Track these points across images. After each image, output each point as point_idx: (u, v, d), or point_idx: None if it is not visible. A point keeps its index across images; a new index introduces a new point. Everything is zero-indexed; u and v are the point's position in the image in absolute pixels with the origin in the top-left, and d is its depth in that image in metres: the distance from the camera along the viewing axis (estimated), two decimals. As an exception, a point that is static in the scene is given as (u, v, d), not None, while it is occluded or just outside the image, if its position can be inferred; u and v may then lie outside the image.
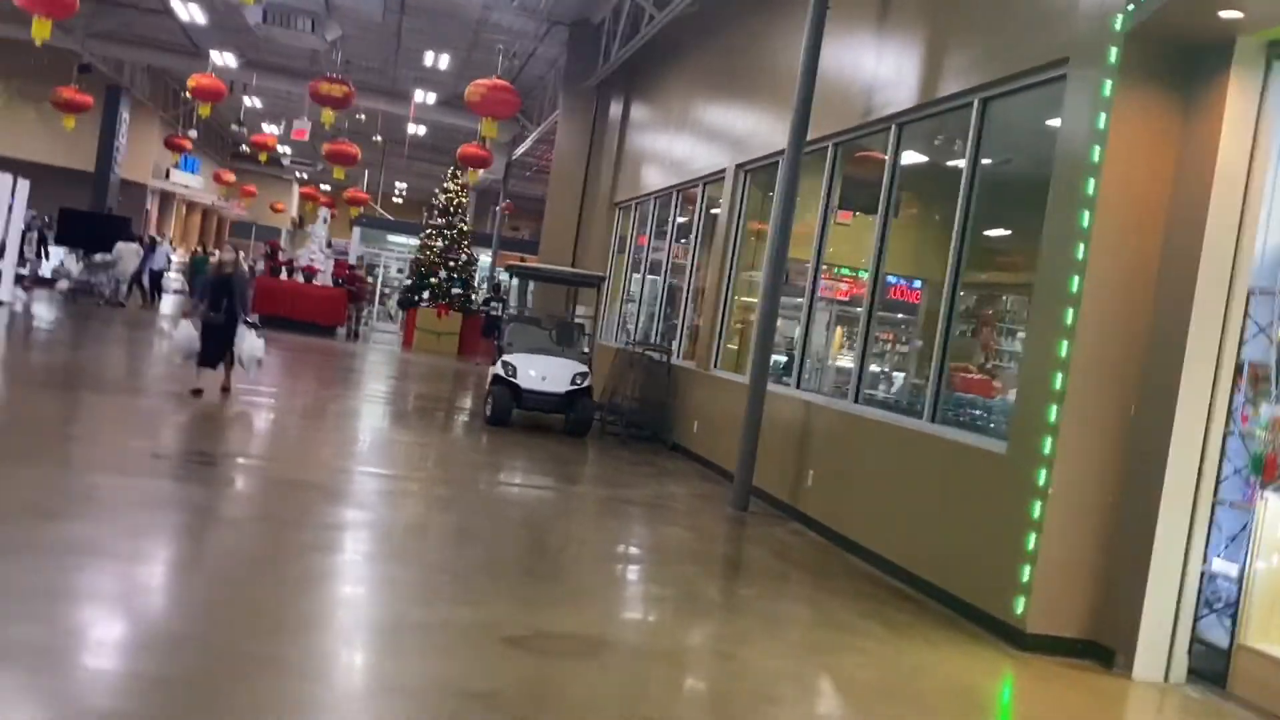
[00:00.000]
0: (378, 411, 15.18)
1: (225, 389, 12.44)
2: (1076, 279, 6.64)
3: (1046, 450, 6.65)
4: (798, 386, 10.88)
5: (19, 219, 21.46)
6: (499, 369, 13.98)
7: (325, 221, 30.31)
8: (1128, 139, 6.61)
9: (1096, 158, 6.63)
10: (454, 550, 7.48)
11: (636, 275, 18.37)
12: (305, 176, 52.01)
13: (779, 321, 10.69)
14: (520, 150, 31.86)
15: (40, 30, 15.61)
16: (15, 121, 32.24)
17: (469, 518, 8.63)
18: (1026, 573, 6.63)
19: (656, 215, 17.49)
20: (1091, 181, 6.63)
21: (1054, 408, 6.66)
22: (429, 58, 25.24)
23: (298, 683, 4.63)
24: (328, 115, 20.81)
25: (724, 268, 13.34)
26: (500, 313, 24.67)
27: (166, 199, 42.63)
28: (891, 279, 10.32)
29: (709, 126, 15.27)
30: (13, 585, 5.24)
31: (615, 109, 20.58)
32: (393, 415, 15.01)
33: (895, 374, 10.94)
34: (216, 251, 13.40)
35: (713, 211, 14.74)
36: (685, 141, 16.11)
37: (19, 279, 22.56)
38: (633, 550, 8.66)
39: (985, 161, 8.40)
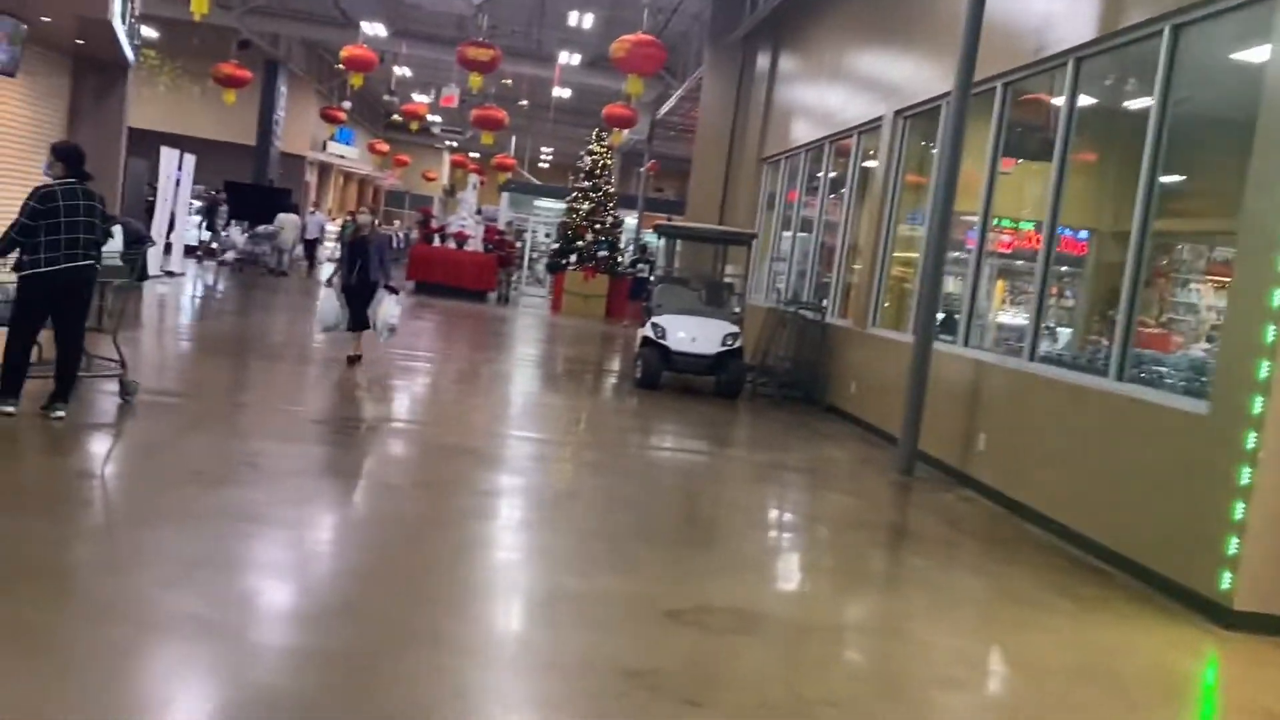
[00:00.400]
0: (528, 375, 15.19)
1: (354, 357, 11.98)
2: (1291, 229, 5.94)
3: (1256, 410, 6.00)
4: (965, 344, 10.29)
5: (187, 192, 22.29)
6: (648, 331, 13.76)
7: (475, 188, 30.64)
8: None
9: (1316, 83, 5.91)
10: (609, 517, 7.29)
11: (786, 233, 17.87)
12: (455, 145, 52.86)
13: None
14: (665, 109, 31.49)
15: (199, 6, 15.99)
16: (180, 99, 33.55)
17: (623, 483, 8.44)
18: (1233, 545, 6.03)
19: (807, 169, 16.94)
20: (1310, 109, 5.91)
21: (1264, 363, 6.00)
22: (573, 17, 25.08)
23: (455, 658, 4.48)
24: (475, 80, 20.84)
25: (881, 221, 12.76)
26: (648, 274, 24.56)
27: (324, 170, 43.94)
28: (1061, 230, 9.63)
29: (863, 73, 14.62)
30: (174, 553, 5.26)
31: (762, 61, 20.00)
32: (543, 378, 15.00)
33: (1061, 329, 10.24)
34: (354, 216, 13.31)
35: (866, 164, 14.14)
36: (838, 91, 15.48)
37: (191, 250, 23.51)
38: (793, 517, 8.33)
39: (1180, 98, 7.64)
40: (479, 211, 30.90)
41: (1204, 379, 7.13)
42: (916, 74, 12.31)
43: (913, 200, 12.73)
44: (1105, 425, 7.55)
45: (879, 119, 13.13)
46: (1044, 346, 9.49)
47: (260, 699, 3.86)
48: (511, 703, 4.21)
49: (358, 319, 12.08)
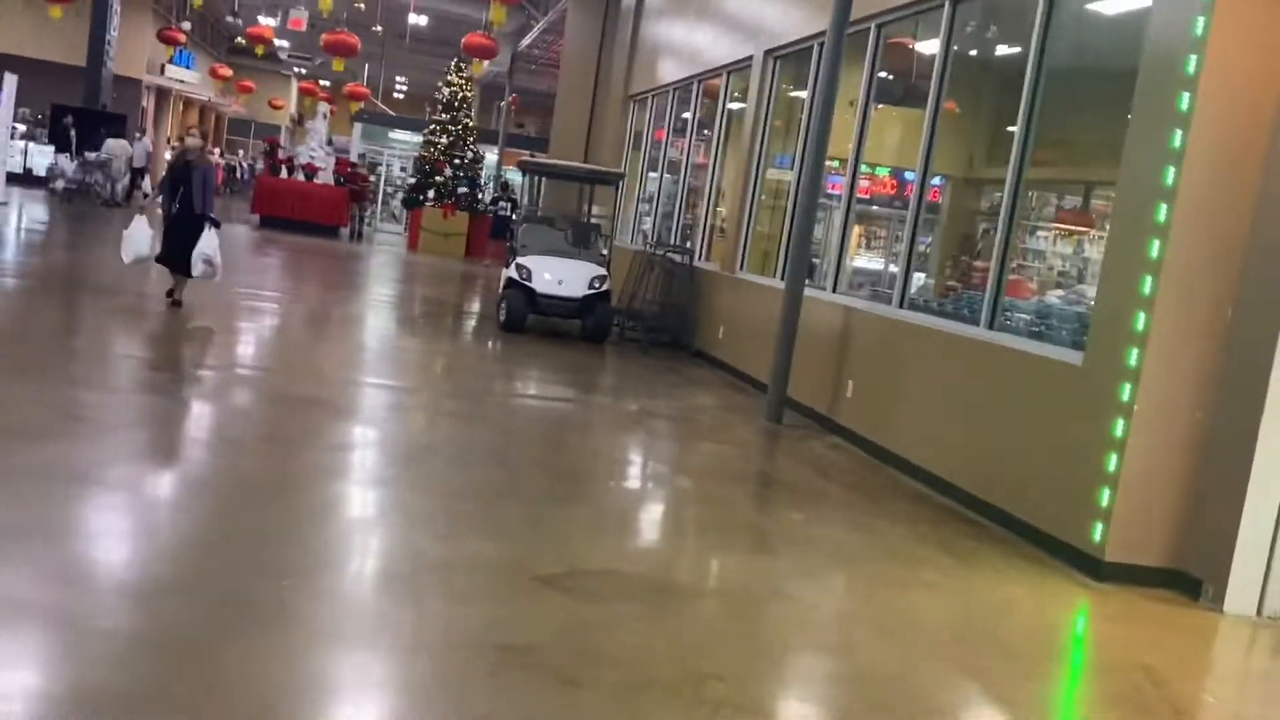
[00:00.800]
0: (384, 317, 14.52)
1: (173, 298, 10.77)
2: (1171, 170, 5.88)
3: (1132, 362, 5.97)
4: (834, 290, 10.17)
5: (9, 115, 20.55)
6: (512, 272, 13.28)
7: (325, 117, 29.22)
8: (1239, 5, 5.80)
9: (1200, 30, 5.81)
10: (473, 473, 6.88)
11: (653, 174, 17.52)
12: (304, 72, 50.46)
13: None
14: (526, 41, 30.62)
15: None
16: (1, 12, 30.95)
17: (485, 435, 8.02)
18: (1105, 497, 6.02)
19: (675, 109, 16.58)
20: (1193, 59, 5.83)
21: (1141, 315, 5.96)
22: (431, -62, 23.95)
23: (307, 640, 4.05)
24: (325, 1, 19.66)
25: (750, 163, 12.52)
26: (510, 213, 23.91)
27: (163, 96, 41.32)
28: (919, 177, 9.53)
29: (733, 10, 14.27)
30: (-18, 523, 4.64)
31: (628, -5, 19.46)
32: (400, 321, 14.36)
33: (917, 275, 10.24)
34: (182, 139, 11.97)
35: (734, 105, 13.87)
36: (707, 28, 15.12)
37: (14, 177, 21.76)
38: (664, 469, 8.07)
39: (1057, 48, 7.53)
40: (330, 142, 29.50)
41: (1069, 327, 7.13)
42: (787, 13, 12.03)
43: (781, 144, 12.52)
44: (977, 374, 7.50)
45: (749, 59, 12.83)
46: (912, 292, 9.45)
47: (82, 697, 3.36)
48: (371, 689, 3.81)
49: (177, 256, 10.67)
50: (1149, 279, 5.95)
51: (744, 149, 12.67)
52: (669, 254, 13.74)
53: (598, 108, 20.52)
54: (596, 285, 13.16)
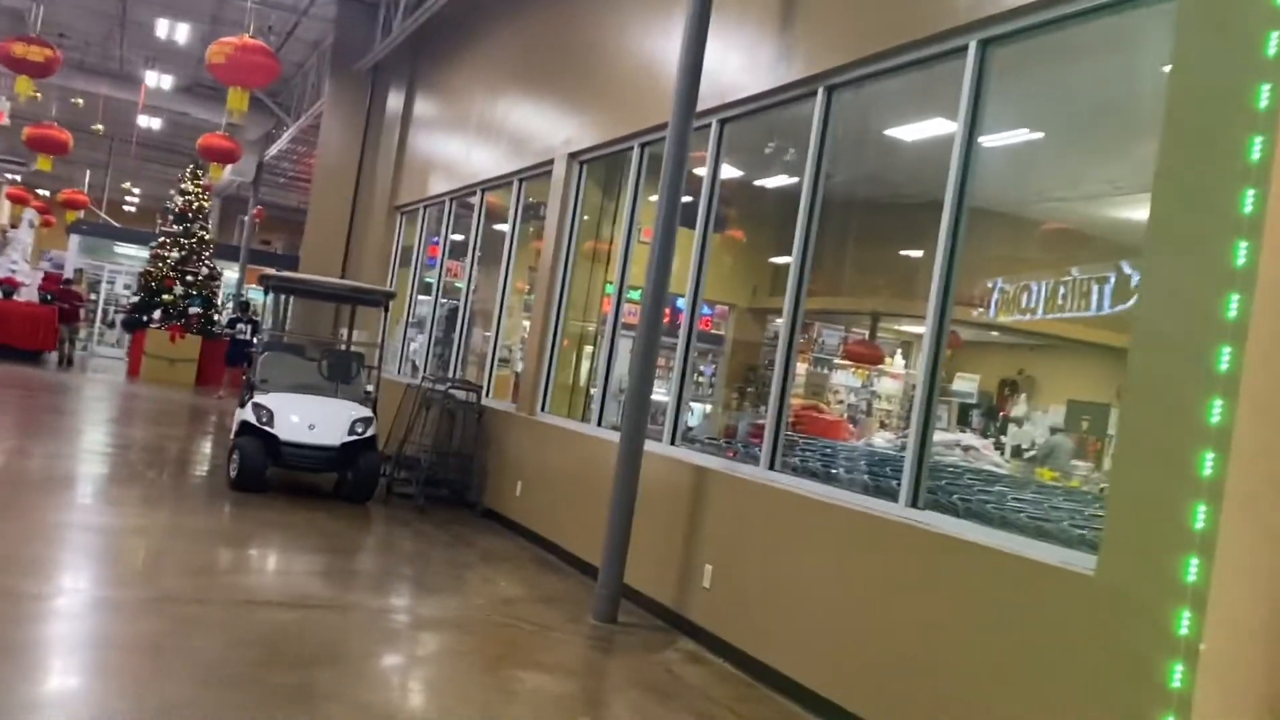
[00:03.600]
0: (80, 473, 11.21)
1: None
2: (1235, 299, 4.08)
3: (1191, 575, 4.05)
4: (673, 443, 8.02)
5: None
6: (248, 414, 10.47)
7: (31, 225, 25.23)
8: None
9: (1267, 101, 4.11)
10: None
11: (425, 297, 15.10)
12: (17, 179, 45.12)
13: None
14: (275, 149, 27.78)
15: None
16: None
17: (181, 677, 5.19)
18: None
19: (452, 222, 14.33)
20: (1258, 142, 4.10)
21: (1201, 507, 4.06)
22: (162, 27, 20.96)
23: None
24: (24, 84, 16.34)
25: (553, 283, 10.37)
26: (251, 336, 20.78)
27: None
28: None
29: (524, 114, 12.27)
30: None
31: (395, 100, 17.22)
32: (101, 480, 11.08)
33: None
34: None
35: (525, 217, 11.81)
36: (492, 132, 13.03)
37: None
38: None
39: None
40: (44, 256, 25.46)
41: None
42: (596, 119, 10.13)
43: (587, 263, 10.49)
44: (903, 568, 5.46)
45: (549, 163, 10.80)
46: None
47: None
48: None
49: None
50: (1209, 455, 4.08)
51: (546, 265, 10.52)
52: (451, 390, 11.28)
53: (358, 219, 18.00)
54: (359, 430, 10.53)
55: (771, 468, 6.80)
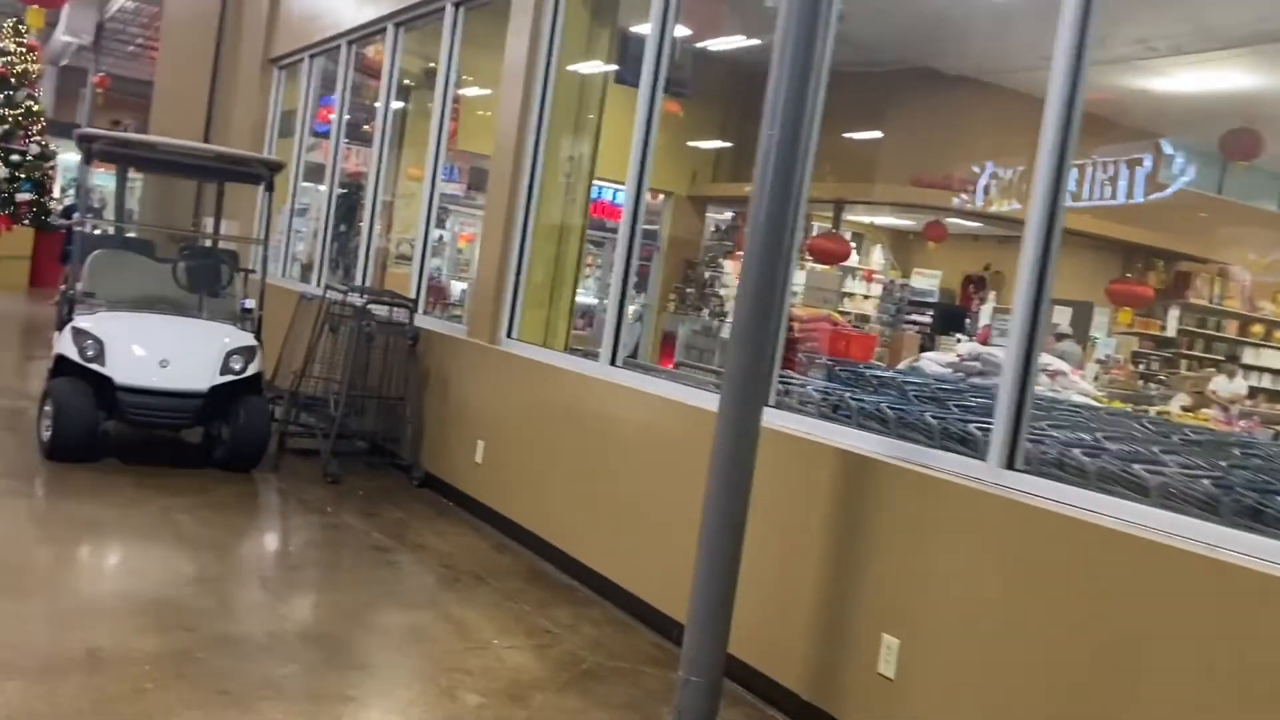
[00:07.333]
0: None
1: None
2: None
3: None
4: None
5: None
6: (67, 345, 7.00)
7: None
8: None
9: None
10: None
11: (319, 186, 11.51)
12: None
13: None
14: (117, 5, 23.16)
15: None
16: None
17: None
18: None
19: (350, 74, 10.72)
20: None
21: None
22: None
23: None
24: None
25: (520, 164, 7.03)
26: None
27: None
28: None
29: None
30: None
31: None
32: None
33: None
34: None
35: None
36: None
37: None
38: None
39: None
40: None
41: None
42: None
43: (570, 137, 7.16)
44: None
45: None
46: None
47: None
48: None
49: None
50: None
51: (507, 140, 7.16)
52: (371, 306, 7.84)
53: (222, 79, 14.06)
54: (236, 367, 7.14)
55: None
